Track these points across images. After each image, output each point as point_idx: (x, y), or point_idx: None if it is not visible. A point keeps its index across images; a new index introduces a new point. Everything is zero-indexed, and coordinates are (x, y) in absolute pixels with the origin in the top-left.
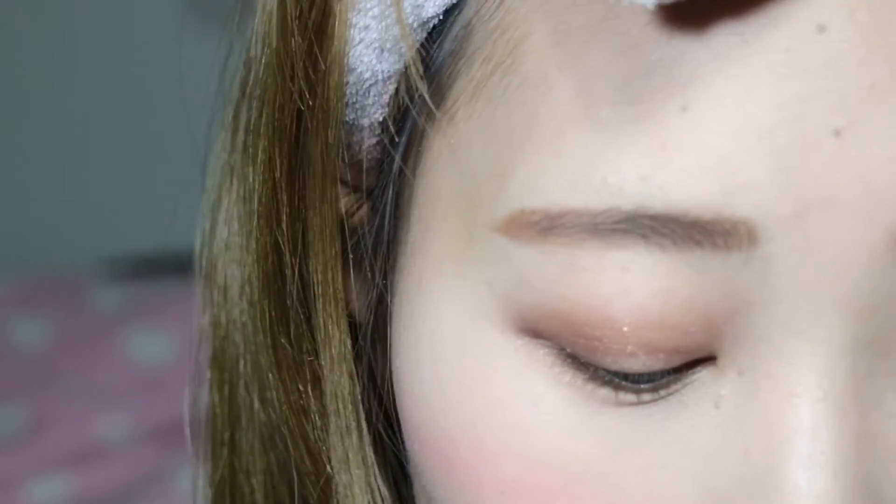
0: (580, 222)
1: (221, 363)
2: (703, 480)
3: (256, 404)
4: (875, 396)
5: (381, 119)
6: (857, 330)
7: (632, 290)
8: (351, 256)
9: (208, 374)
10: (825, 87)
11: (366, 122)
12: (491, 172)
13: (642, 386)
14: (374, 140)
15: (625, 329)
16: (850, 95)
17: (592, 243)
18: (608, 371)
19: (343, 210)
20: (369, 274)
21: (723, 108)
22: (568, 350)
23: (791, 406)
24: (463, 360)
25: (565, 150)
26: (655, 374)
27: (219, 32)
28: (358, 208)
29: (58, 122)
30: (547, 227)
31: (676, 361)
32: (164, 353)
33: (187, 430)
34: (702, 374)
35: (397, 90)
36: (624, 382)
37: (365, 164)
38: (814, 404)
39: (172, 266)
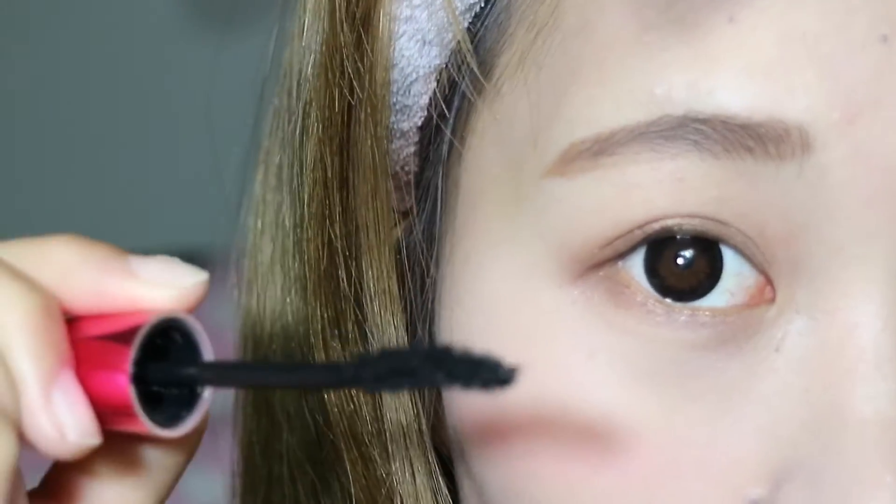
0: (632, 136)
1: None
2: (766, 427)
3: (285, 433)
4: None
5: (419, 124)
6: None
7: (687, 201)
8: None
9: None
10: None
11: (405, 125)
12: (538, 128)
13: (697, 306)
14: (412, 149)
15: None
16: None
17: (646, 156)
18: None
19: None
20: (425, 265)
21: (769, 17)
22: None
23: (851, 339)
24: (517, 323)
25: (608, 77)
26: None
27: (224, 34)
28: (395, 225)
29: (58, 121)
30: (598, 150)
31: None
32: None
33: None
34: (760, 315)
35: (437, 87)
36: (678, 304)
37: (403, 179)
38: (875, 335)
39: None
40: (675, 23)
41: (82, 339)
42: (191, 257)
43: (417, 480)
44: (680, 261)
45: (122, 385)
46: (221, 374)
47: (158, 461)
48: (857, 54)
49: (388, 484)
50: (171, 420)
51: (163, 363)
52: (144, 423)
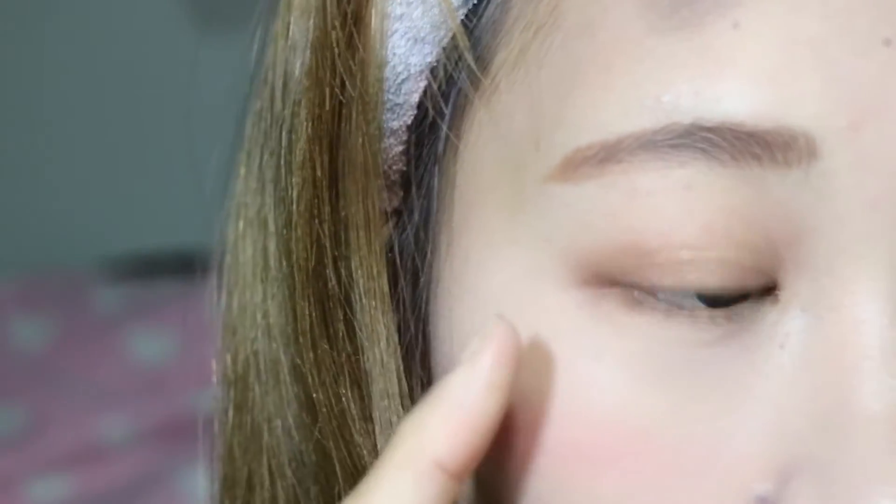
0: (639, 144)
1: (240, 388)
2: (772, 424)
3: (265, 434)
4: None
5: (409, 122)
6: None
7: (696, 209)
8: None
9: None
10: (871, 1)
11: (395, 124)
12: (539, 130)
13: (700, 314)
14: (400, 147)
15: (691, 249)
16: None
17: (654, 164)
18: (671, 299)
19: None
20: (419, 264)
21: (773, 22)
22: (634, 293)
23: (857, 335)
24: (521, 323)
25: (614, 82)
26: (718, 299)
27: (220, 33)
28: (382, 225)
29: (58, 121)
30: (604, 157)
31: (740, 282)
32: (165, 353)
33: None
34: (764, 313)
35: (432, 84)
36: (683, 310)
37: (391, 178)
38: (880, 331)
39: (172, 266)
40: (679, 29)
41: None
42: (189, 257)
43: None
44: None
45: None
46: None
47: None
48: (860, 58)
49: None
50: None
51: None
52: None
